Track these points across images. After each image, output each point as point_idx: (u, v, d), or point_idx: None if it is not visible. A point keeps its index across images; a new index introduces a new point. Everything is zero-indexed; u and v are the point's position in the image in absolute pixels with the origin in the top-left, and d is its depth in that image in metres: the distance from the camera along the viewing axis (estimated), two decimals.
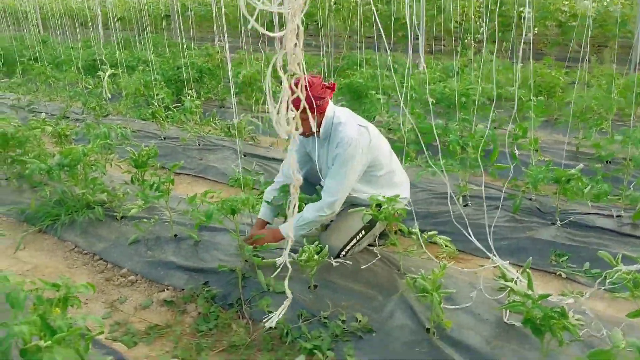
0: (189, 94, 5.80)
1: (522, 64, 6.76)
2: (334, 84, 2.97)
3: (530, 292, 2.12)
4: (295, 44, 1.10)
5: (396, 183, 3.22)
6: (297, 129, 1.13)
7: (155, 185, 3.32)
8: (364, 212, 2.88)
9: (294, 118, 1.11)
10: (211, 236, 3.46)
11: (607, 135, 4.38)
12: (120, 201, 3.92)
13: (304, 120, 2.91)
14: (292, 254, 2.75)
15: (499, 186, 4.11)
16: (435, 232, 2.93)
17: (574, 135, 4.87)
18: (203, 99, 7.16)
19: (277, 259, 1.44)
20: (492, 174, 3.74)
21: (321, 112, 2.97)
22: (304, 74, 1.13)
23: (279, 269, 2.18)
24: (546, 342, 2.09)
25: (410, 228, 2.86)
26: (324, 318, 2.57)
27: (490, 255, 2.63)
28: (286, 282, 1.33)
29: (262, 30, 1.11)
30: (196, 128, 5.65)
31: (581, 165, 3.28)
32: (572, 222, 3.46)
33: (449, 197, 2.98)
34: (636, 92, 4.56)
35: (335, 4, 13.79)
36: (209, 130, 6.29)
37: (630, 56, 7.06)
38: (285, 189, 3.15)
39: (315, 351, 2.38)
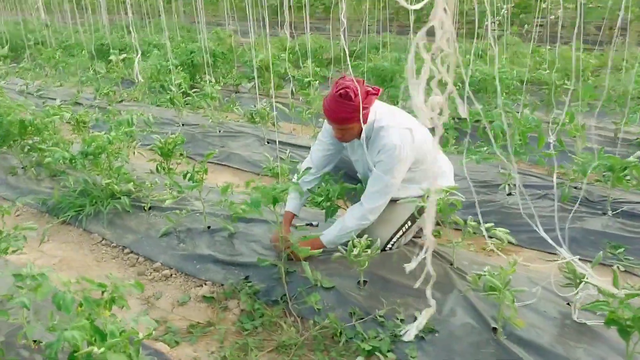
0: (207, 79, 5.61)
1: (549, 47, 6.58)
2: (378, 89, 2.74)
3: (615, 291, 1.97)
4: (445, 9, 0.92)
5: (440, 173, 3.05)
6: (441, 114, 0.96)
7: (189, 175, 3.15)
8: (417, 202, 2.72)
9: (438, 102, 0.94)
10: (246, 227, 3.31)
11: None
12: (147, 191, 3.76)
13: (349, 129, 2.74)
14: (341, 247, 2.62)
15: (541, 174, 3.95)
16: (492, 224, 2.76)
17: (612, 120, 4.69)
18: (221, 84, 6.98)
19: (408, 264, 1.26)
20: (540, 162, 3.57)
21: (365, 119, 2.72)
22: (456, 52, 0.95)
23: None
24: (632, 343, 1.94)
25: (468, 220, 2.70)
26: (380, 317, 2.42)
27: (560, 250, 2.47)
28: (428, 292, 1.16)
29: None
30: (216, 114, 5.47)
31: (638, 153, 3.12)
32: (624, 212, 3.30)
33: (518, 188, 2.81)
34: None
35: None
36: (227, 117, 6.12)
37: None
38: (326, 177, 2.99)
39: (375, 352, 2.24)
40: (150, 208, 3.63)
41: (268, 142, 5.09)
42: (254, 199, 2.49)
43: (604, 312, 2.05)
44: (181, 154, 3.92)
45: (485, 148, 3.66)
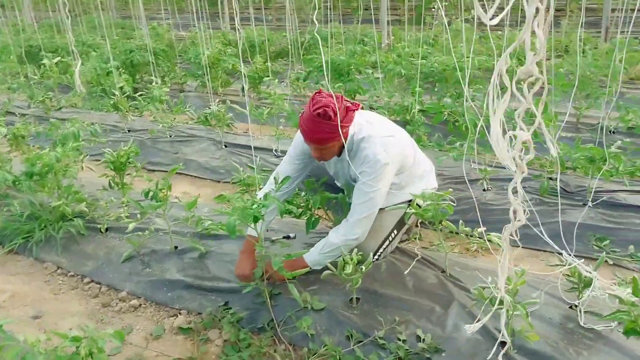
0: (153, 80, 5.26)
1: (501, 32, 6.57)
2: (357, 104, 2.54)
3: (634, 299, 1.87)
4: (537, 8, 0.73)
5: (421, 175, 2.90)
6: (523, 158, 0.78)
7: (152, 192, 2.86)
8: (406, 210, 2.56)
9: (524, 142, 0.75)
10: (218, 245, 3.06)
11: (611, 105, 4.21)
12: (102, 210, 3.44)
13: (328, 149, 2.54)
14: (329, 265, 2.42)
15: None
16: (484, 228, 2.64)
17: (573, 105, 4.69)
18: (169, 85, 6.62)
19: None
20: None
21: (345, 137, 2.52)
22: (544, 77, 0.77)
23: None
24: None
25: (462, 226, 2.56)
26: (380, 338, 2.25)
27: (564, 253, 2.37)
28: None
29: None
30: (165, 118, 5.13)
31: (619, 142, 3.07)
32: (604, 202, 3.26)
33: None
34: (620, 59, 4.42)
35: None
36: (174, 119, 5.78)
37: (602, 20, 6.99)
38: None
39: None
40: (107, 229, 3.32)
41: (226, 146, 4.82)
42: (229, 224, 2.25)
43: (615, 318, 1.96)
44: (135, 167, 3.61)
45: (458, 143, 3.54)
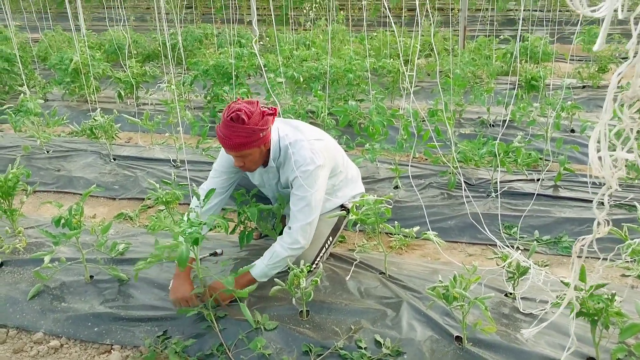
0: (21, 92, 4.73)
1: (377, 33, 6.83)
2: (275, 109, 2.49)
3: (579, 283, 2.04)
4: None
5: (352, 179, 2.93)
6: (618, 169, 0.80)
7: (63, 219, 2.57)
8: (345, 216, 2.56)
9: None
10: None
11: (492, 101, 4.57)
12: None
13: (248, 156, 2.46)
14: (277, 280, 2.36)
15: (420, 163, 4.06)
16: (417, 227, 2.73)
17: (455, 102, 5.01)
18: (43, 95, 6.00)
19: None
20: (427, 154, 3.65)
21: (266, 143, 2.48)
22: None
23: None
24: (599, 330, 2.04)
25: (398, 227, 2.62)
26: (340, 349, 2.23)
27: (501, 245, 2.53)
28: None
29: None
30: (43, 132, 4.64)
31: (519, 137, 3.33)
32: (505, 192, 3.53)
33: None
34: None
35: None
36: (44, 131, 5.25)
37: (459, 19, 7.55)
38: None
39: None
40: (2, 264, 2.93)
41: (114, 159, 4.47)
42: (181, 255, 2.09)
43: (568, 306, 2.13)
44: (25, 190, 3.23)
45: (367, 144, 3.62)
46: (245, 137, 2.36)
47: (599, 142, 0.79)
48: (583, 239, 1.12)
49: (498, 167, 3.29)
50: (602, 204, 1.07)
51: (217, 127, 2.46)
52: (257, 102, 2.46)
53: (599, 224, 1.07)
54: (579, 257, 1.15)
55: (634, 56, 0.77)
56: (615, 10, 0.73)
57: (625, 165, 0.99)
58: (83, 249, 2.73)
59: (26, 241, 3.11)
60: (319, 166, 2.52)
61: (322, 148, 2.59)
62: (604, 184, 0.91)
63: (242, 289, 2.33)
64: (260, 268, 2.48)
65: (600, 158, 0.81)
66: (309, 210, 2.51)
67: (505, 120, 4.35)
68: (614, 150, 0.83)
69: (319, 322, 2.39)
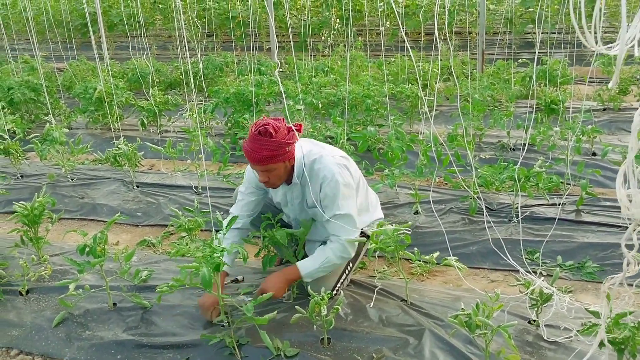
0: (47, 121, 4.85)
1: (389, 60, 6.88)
2: (300, 125, 2.58)
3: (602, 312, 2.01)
4: None
5: (372, 204, 2.95)
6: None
7: (88, 247, 2.61)
8: (367, 243, 2.58)
9: None
10: (162, 297, 2.85)
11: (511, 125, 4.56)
12: (20, 271, 3.08)
13: (274, 171, 2.53)
14: (298, 308, 2.36)
15: (439, 187, 4.06)
16: (437, 253, 2.72)
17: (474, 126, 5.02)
18: (68, 123, 6.14)
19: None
20: (447, 179, 3.65)
21: (290, 159, 2.58)
22: None
23: None
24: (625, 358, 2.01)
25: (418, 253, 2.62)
26: None
27: (523, 271, 2.51)
28: None
29: None
30: (66, 160, 4.75)
31: (540, 161, 3.32)
32: (527, 217, 3.51)
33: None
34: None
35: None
36: (69, 159, 5.36)
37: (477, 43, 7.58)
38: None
39: None
40: (27, 292, 2.98)
41: (138, 186, 4.55)
42: (204, 277, 2.12)
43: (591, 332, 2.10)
44: (50, 218, 3.30)
45: (386, 170, 3.64)
46: (272, 150, 2.44)
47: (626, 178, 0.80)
48: (612, 278, 1.11)
49: (519, 192, 3.27)
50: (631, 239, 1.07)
51: (243, 142, 2.55)
52: (283, 118, 2.56)
53: (628, 263, 1.07)
54: (608, 298, 1.14)
55: None
56: (632, 47, 0.74)
57: None
58: (107, 276, 2.79)
59: (51, 269, 3.16)
60: (346, 184, 2.60)
61: (346, 166, 2.68)
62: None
63: (286, 284, 2.60)
64: (312, 269, 2.59)
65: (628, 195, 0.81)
66: (352, 218, 2.60)
67: (526, 144, 4.33)
68: None
69: (340, 350, 2.38)
